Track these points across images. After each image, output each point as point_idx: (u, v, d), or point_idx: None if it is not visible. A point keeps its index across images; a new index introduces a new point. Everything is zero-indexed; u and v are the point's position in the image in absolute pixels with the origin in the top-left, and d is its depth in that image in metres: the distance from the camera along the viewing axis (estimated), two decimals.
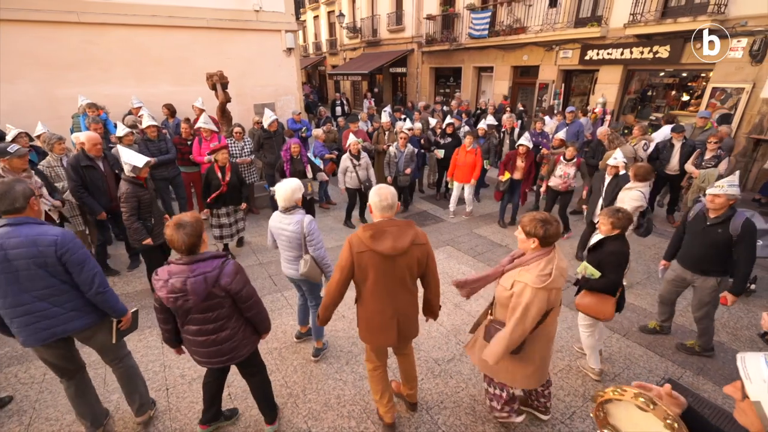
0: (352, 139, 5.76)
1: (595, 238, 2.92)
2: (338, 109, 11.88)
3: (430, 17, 14.41)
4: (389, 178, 6.13)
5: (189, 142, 5.70)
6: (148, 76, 7.56)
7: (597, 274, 2.75)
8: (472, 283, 2.53)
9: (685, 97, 8.66)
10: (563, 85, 10.69)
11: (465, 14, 12.81)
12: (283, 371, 3.18)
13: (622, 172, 4.46)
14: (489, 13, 11.93)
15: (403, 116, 8.35)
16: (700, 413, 1.19)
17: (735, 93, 7.28)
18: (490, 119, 7.41)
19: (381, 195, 2.16)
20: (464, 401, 2.90)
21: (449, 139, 6.78)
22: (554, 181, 5.52)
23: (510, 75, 12.26)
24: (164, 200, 5.80)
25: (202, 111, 6.42)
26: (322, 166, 6.16)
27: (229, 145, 5.94)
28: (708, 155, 5.48)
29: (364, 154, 5.87)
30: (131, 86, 7.32)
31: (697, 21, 7.21)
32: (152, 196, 3.86)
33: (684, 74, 8.55)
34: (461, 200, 6.64)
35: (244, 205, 4.97)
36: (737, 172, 3.11)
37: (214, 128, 5.63)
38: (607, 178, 4.54)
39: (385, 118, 7.29)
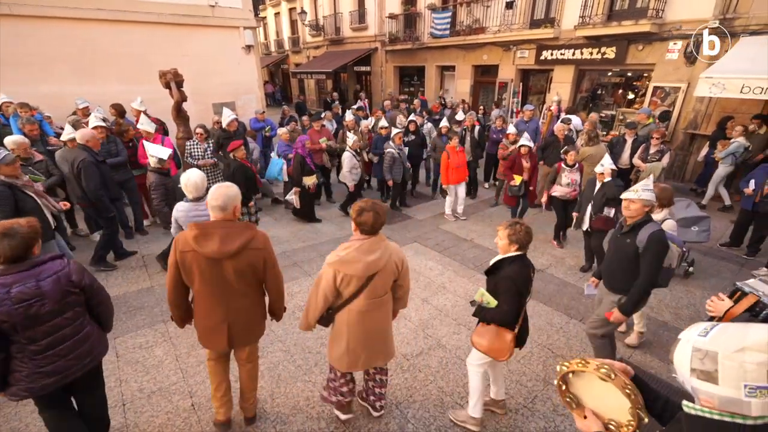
0: (351, 138, 5.96)
1: (496, 257, 2.40)
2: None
3: (392, 16, 14.49)
4: (390, 182, 6.29)
5: (131, 144, 5.46)
6: (95, 75, 7.10)
7: (494, 302, 2.29)
8: None
9: (631, 96, 9.27)
10: (521, 84, 11.12)
11: (426, 14, 12.99)
12: None
13: (607, 179, 4.21)
14: (449, 13, 12.18)
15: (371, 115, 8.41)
16: (643, 380, 1.31)
17: (673, 92, 7.88)
18: (460, 115, 7.62)
19: (214, 194, 2.08)
20: (432, 393, 2.96)
21: (412, 137, 6.87)
22: (561, 191, 5.08)
23: (471, 74, 12.58)
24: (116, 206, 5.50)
25: (140, 112, 6.18)
26: (284, 167, 6.06)
27: (191, 146, 5.74)
28: (652, 150, 5.93)
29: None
30: (75, 85, 6.84)
31: (639, 24, 7.73)
32: (175, 183, 4.19)
33: (629, 74, 9.14)
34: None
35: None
36: (651, 176, 3.08)
37: (150, 129, 5.42)
38: (597, 185, 4.33)
39: (349, 116, 7.27)
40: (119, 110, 6.48)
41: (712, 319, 2.18)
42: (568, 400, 1.35)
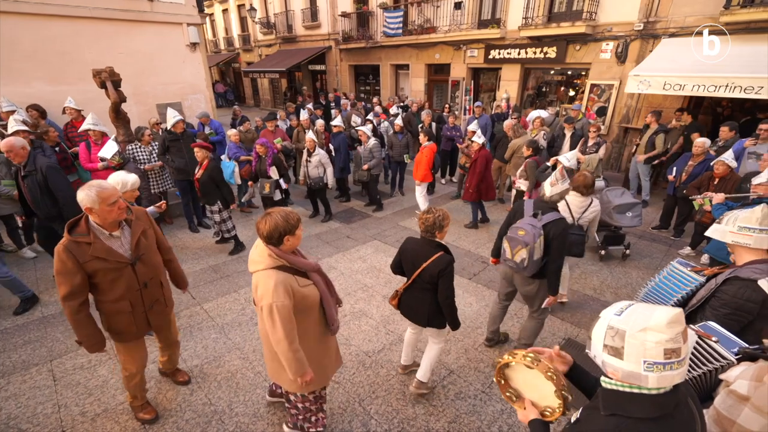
0: (309, 135, 5.82)
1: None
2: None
3: (344, 15, 14.41)
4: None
5: (57, 148, 5.08)
6: (17, 73, 6.41)
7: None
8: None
9: (572, 93, 9.90)
10: (472, 82, 11.50)
11: (378, 13, 13.06)
12: (205, 389, 2.97)
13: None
14: (401, 13, 12.32)
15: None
16: (582, 368, 1.45)
17: (607, 89, 8.53)
18: (394, 110, 7.74)
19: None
20: (395, 387, 3.01)
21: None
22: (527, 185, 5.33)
23: (425, 73, 12.82)
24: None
25: (78, 111, 5.79)
26: (237, 170, 5.86)
27: (136, 150, 5.40)
28: (590, 142, 6.36)
29: (319, 153, 5.82)
30: None
31: (575, 26, 8.27)
32: None
33: (569, 72, 9.76)
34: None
35: None
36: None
37: (105, 129, 5.06)
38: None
39: (304, 116, 7.16)
40: (40, 110, 5.95)
41: None
42: (508, 394, 1.45)
